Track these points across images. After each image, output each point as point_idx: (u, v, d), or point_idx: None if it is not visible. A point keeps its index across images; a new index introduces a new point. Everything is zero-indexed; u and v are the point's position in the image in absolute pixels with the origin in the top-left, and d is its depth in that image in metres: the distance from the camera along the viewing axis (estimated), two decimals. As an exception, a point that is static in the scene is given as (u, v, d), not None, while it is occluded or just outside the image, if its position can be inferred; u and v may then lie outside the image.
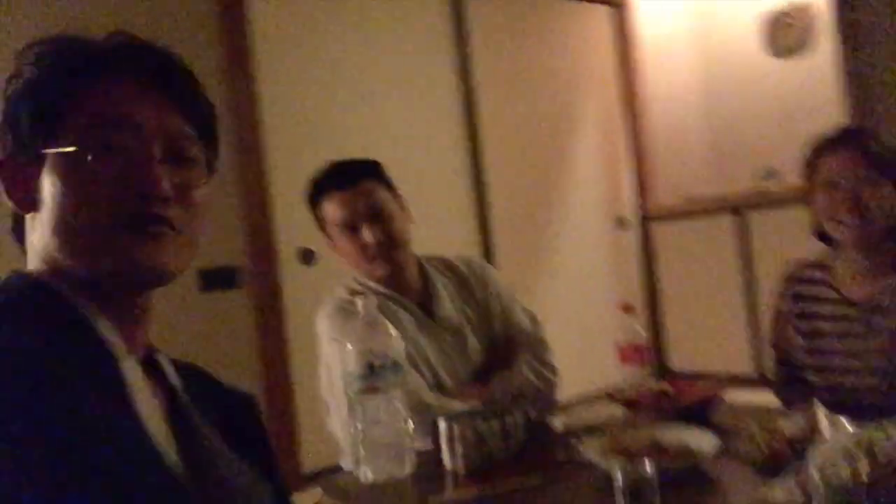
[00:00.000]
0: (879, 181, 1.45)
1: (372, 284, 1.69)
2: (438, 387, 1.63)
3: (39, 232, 0.73)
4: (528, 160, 3.63)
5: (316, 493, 1.53)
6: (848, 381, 1.49)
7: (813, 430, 1.17)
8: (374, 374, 1.31)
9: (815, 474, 0.88)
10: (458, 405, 1.53)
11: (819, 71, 3.71)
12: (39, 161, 0.72)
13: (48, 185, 0.71)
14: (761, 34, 4.07)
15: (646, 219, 4.03)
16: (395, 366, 1.33)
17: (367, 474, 1.31)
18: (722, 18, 4.25)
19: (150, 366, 0.77)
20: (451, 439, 1.35)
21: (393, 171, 3.21)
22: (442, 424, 1.37)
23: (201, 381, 0.84)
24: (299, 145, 2.84)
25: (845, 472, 0.82)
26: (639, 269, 4.05)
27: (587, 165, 3.88)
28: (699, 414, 1.46)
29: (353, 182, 1.65)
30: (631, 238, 4.03)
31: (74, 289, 0.70)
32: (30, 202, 0.73)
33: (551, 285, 3.60)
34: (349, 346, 1.31)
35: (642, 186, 4.04)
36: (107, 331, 0.70)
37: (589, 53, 3.94)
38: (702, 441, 1.22)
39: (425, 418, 1.45)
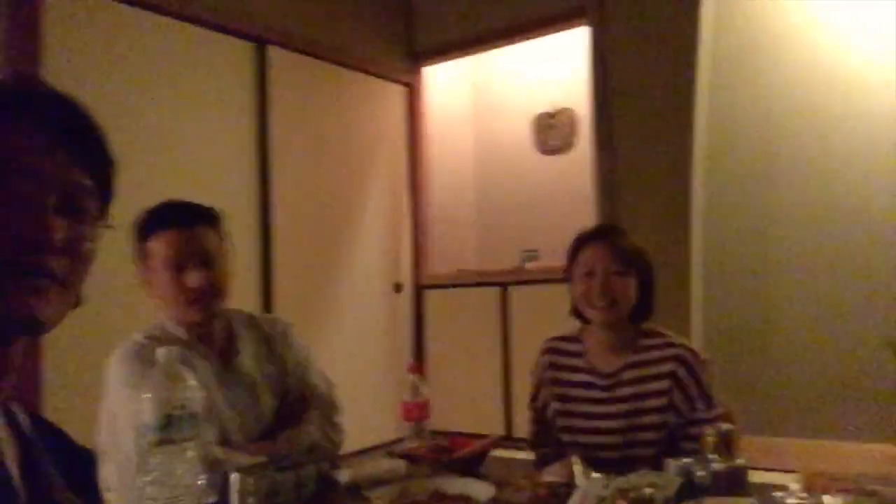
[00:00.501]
0: (625, 273, 1.73)
1: (174, 330, 1.66)
2: (226, 441, 1.61)
3: None
4: (316, 223, 3.71)
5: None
6: (591, 440, 1.73)
7: (570, 480, 1.37)
8: (170, 426, 1.29)
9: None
10: (245, 459, 1.53)
11: (577, 167, 4.25)
12: None
13: None
14: (531, 132, 4.59)
15: (420, 286, 4.27)
16: (193, 417, 1.32)
17: (154, 529, 1.28)
18: (499, 112, 4.74)
19: (6, 414, 0.75)
20: (242, 492, 1.36)
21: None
22: (234, 476, 1.38)
23: (51, 432, 0.83)
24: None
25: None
26: (411, 331, 4.25)
27: (371, 232, 4.05)
28: (472, 466, 1.62)
29: (189, 224, 1.63)
30: (406, 302, 4.23)
31: None
32: None
33: (331, 343, 3.66)
34: (146, 395, 1.29)
35: (419, 256, 4.28)
36: None
37: (381, 128, 4.16)
38: (479, 489, 1.36)
39: (215, 472, 1.44)
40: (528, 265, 4.04)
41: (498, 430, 3.88)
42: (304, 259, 3.62)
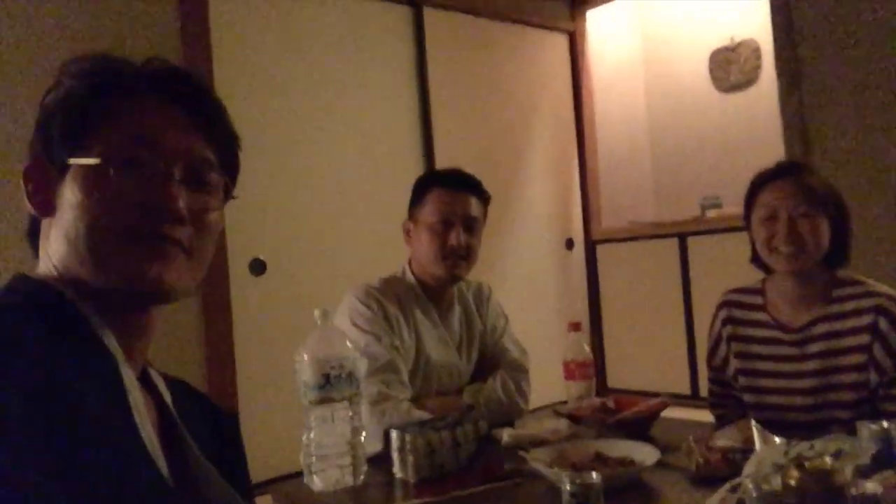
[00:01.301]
0: (814, 214, 1.52)
1: (410, 280, 1.82)
2: (435, 388, 1.77)
3: (53, 237, 0.74)
4: (482, 179, 3.68)
5: (266, 500, 1.53)
6: (778, 401, 1.57)
7: (747, 445, 1.24)
8: (328, 385, 1.33)
9: (749, 484, 0.94)
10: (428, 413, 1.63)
11: (761, 106, 3.89)
12: (64, 170, 0.73)
13: (69, 194, 0.72)
14: (708, 69, 4.25)
15: (592, 241, 4.13)
16: (350, 376, 1.35)
17: (317, 483, 1.33)
18: (670, 52, 4.42)
19: (144, 380, 0.78)
20: (402, 449, 1.38)
21: (353, 181, 3.23)
22: (394, 434, 1.40)
23: (189, 396, 0.86)
24: (251, 161, 2.84)
25: (776, 482, 0.87)
26: (585, 288, 4.14)
27: (539, 188, 3.96)
28: (640, 428, 1.52)
29: (465, 189, 1.80)
30: (578, 258, 4.13)
31: (81, 296, 0.71)
32: (49, 207, 0.74)
33: (502, 302, 3.65)
34: (304, 357, 1.33)
35: (589, 210, 4.14)
36: (108, 339, 0.70)
37: (544, 79, 4.04)
38: (643, 453, 1.27)
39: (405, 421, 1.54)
40: (710, 213, 3.77)
41: (682, 388, 3.70)
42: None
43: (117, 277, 0.71)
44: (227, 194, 0.82)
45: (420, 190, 1.82)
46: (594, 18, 4.20)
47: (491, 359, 1.89)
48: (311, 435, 1.33)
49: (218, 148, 0.81)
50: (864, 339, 1.49)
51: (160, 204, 0.73)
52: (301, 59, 3.06)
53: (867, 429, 1.18)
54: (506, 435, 1.53)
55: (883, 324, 1.47)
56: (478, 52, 3.72)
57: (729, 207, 3.69)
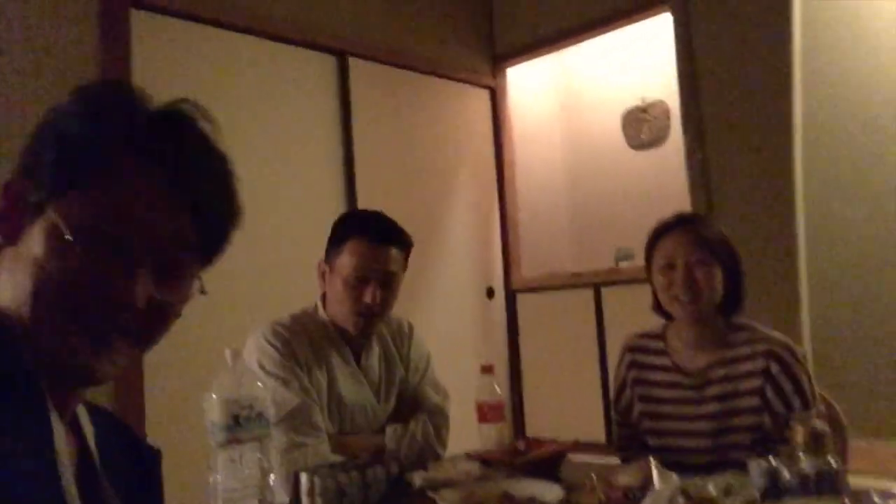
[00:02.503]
0: (709, 262, 1.61)
1: (322, 319, 1.79)
2: (349, 429, 1.74)
3: (7, 271, 0.70)
4: (404, 225, 3.71)
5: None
6: (680, 443, 1.63)
7: (646, 482, 1.29)
8: (238, 426, 1.31)
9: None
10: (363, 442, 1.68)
11: (670, 162, 4.09)
12: (39, 210, 0.69)
13: (33, 240, 0.68)
14: (621, 126, 4.46)
15: (512, 290, 4.22)
16: (260, 418, 1.34)
17: (223, 527, 1.30)
18: (587, 109, 4.63)
19: (72, 421, 0.75)
20: (311, 492, 1.37)
21: (272, 223, 3.20)
22: (303, 477, 1.39)
23: (114, 428, 0.83)
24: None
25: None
26: (505, 337, 4.20)
27: (461, 238, 4.03)
28: (548, 469, 1.56)
29: (387, 241, 1.74)
30: (499, 307, 4.19)
31: (21, 331, 0.67)
32: (14, 236, 0.70)
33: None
34: (213, 396, 1.32)
35: (510, 260, 4.23)
36: (43, 384, 0.67)
37: (466, 132, 4.15)
38: (547, 492, 1.31)
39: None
40: (623, 264, 3.91)
41: (597, 435, 3.77)
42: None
43: (48, 356, 0.67)
44: (197, 286, 0.77)
45: (339, 234, 1.76)
46: (514, 75, 4.36)
47: (411, 400, 1.87)
48: (218, 477, 1.31)
49: (207, 230, 0.76)
50: (757, 382, 1.57)
51: (119, 298, 0.69)
52: (224, 99, 3.06)
53: (757, 465, 1.25)
54: (418, 478, 1.54)
55: (774, 368, 1.56)
56: (402, 102, 3.80)
57: (640, 259, 3.84)
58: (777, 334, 1.63)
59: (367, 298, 1.70)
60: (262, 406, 1.35)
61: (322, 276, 1.81)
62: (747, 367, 1.59)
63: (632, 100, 4.42)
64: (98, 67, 2.64)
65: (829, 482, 1.16)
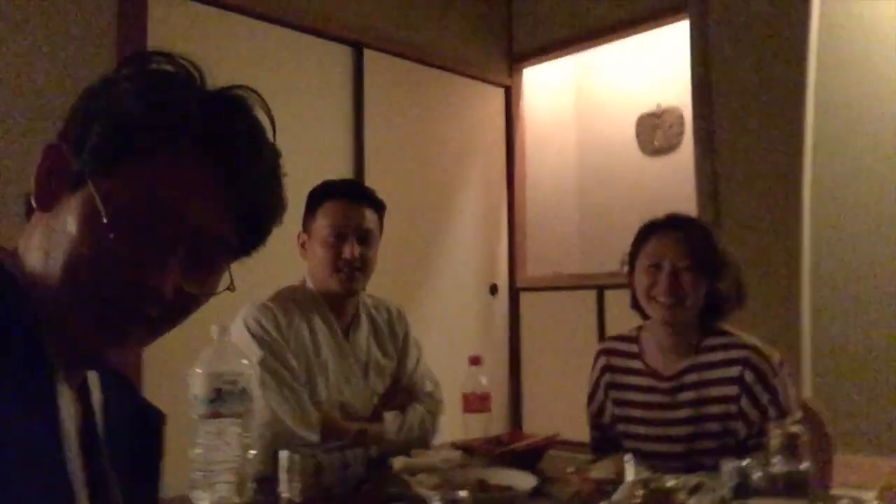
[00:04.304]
0: (696, 269, 1.58)
1: (311, 291, 1.81)
2: (334, 401, 1.75)
3: (37, 239, 0.68)
4: (411, 225, 3.73)
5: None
6: (653, 447, 1.61)
7: (619, 476, 1.30)
8: (220, 400, 1.34)
9: None
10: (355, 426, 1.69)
11: (682, 169, 4.07)
12: (80, 181, 0.66)
13: (67, 212, 0.66)
14: (635, 132, 4.45)
15: (517, 288, 4.23)
16: (243, 393, 1.36)
17: (202, 499, 1.33)
18: (601, 113, 4.62)
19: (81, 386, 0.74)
20: (289, 469, 1.39)
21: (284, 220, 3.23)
22: (282, 455, 1.41)
23: (119, 389, 0.81)
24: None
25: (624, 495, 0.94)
26: (507, 334, 4.21)
27: (467, 234, 4.04)
28: (528, 460, 1.57)
29: (357, 199, 1.79)
30: (502, 304, 4.20)
31: (40, 301, 0.66)
32: (48, 202, 0.68)
33: (424, 345, 3.68)
34: (198, 370, 1.34)
35: (515, 258, 4.24)
36: (52, 346, 0.65)
37: (478, 130, 4.16)
38: (521, 480, 1.32)
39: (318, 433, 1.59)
40: (625, 269, 3.90)
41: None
42: (399, 261, 3.66)
43: (65, 338, 0.66)
44: (224, 281, 0.75)
45: (312, 202, 1.81)
46: (530, 76, 4.37)
47: (406, 388, 1.88)
48: (199, 450, 1.34)
49: (248, 225, 0.74)
50: (732, 390, 1.55)
51: (148, 289, 0.67)
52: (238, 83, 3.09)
53: (728, 465, 1.26)
54: (398, 462, 1.56)
55: (749, 377, 1.54)
56: (415, 97, 3.82)
57: (646, 264, 3.84)
58: (755, 341, 1.60)
59: (346, 254, 1.74)
60: (246, 382, 1.37)
61: (302, 245, 1.84)
62: (721, 373, 1.57)
63: (647, 106, 4.40)
64: (115, 48, 2.68)
65: (797, 484, 1.17)
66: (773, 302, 3.03)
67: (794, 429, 1.29)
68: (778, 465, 1.20)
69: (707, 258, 1.60)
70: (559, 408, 3.95)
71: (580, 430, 3.72)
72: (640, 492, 0.93)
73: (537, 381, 4.12)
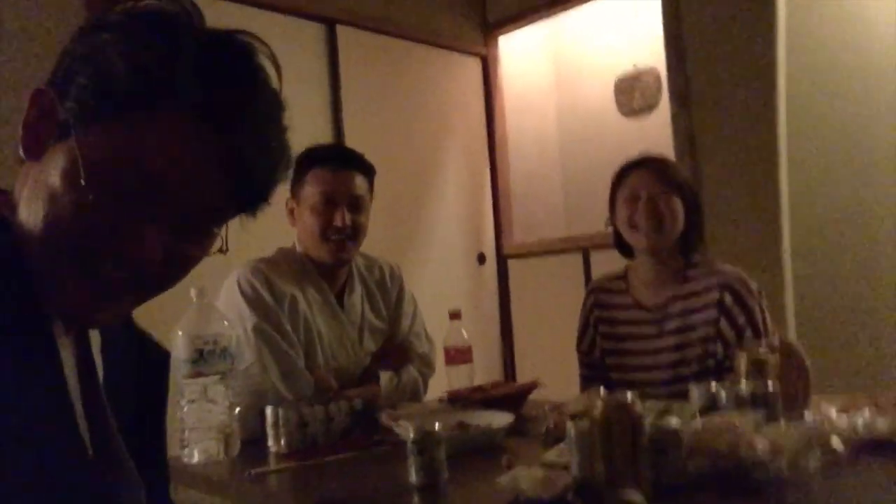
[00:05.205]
0: (671, 195, 1.68)
1: (301, 257, 1.79)
2: (330, 366, 1.74)
3: (28, 190, 0.65)
4: (394, 199, 3.73)
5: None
6: (641, 377, 1.69)
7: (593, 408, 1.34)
8: (202, 360, 1.37)
9: (568, 423, 1.04)
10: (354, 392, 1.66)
11: (660, 130, 4.10)
12: (65, 131, 0.63)
13: (51, 165, 0.63)
14: (613, 94, 4.46)
15: (504, 256, 4.26)
16: (224, 352, 1.40)
17: (190, 456, 1.37)
18: (579, 77, 4.63)
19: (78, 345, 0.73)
20: (275, 424, 1.43)
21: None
22: (268, 410, 1.45)
23: (121, 329, 0.79)
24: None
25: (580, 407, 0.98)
26: (496, 302, 4.25)
27: (452, 205, 4.06)
28: (510, 406, 1.61)
29: (346, 166, 1.75)
30: (490, 273, 4.24)
31: (40, 253, 0.64)
32: (36, 152, 0.65)
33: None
34: (179, 333, 1.38)
35: (501, 226, 4.27)
36: (46, 299, 0.64)
37: (457, 101, 4.17)
38: (498, 419, 1.36)
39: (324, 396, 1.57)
40: (610, 228, 3.93)
41: (588, 398, 3.82)
42: (385, 235, 3.68)
43: (51, 298, 0.65)
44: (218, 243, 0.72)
45: (300, 168, 1.76)
46: (506, 44, 4.37)
47: (400, 347, 1.87)
48: (185, 409, 1.37)
49: (246, 186, 0.69)
50: (712, 314, 1.63)
51: (130, 254, 0.64)
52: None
53: (697, 388, 1.30)
54: (384, 415, 1.59)
55: (727, 299, 1.62)
56: (392, 71, 3.83)
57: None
58: (731, 268, 1.68)
59: (338, 222, 1.71)
60: (227, 342, 1.41)
61: (291, 212, 1.80)
62: (703, 299, 1.65)
63: (624, 67, 4.42)
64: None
65: (764, 404, 1.21)
66: (755, 250, 3.07)
67: (761, 353, 1.33)
68: (745, 386, 1.24)
69: (680, 186, 1.69)
70: (552, 371, 3.99)
71: (574, 393, 3.78)
72: (599, 405, 0.97)
73: (531, 349, 4.17)
